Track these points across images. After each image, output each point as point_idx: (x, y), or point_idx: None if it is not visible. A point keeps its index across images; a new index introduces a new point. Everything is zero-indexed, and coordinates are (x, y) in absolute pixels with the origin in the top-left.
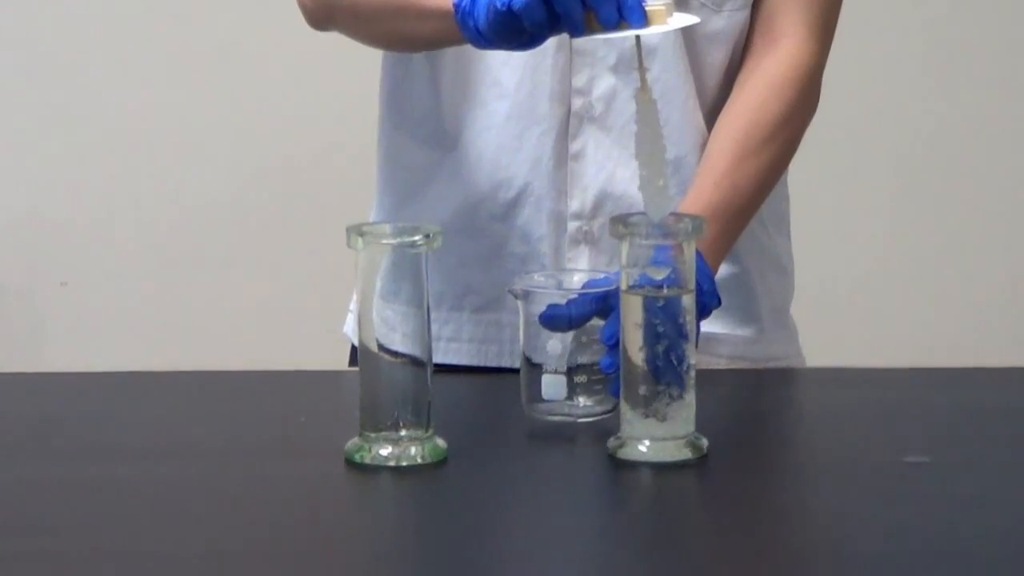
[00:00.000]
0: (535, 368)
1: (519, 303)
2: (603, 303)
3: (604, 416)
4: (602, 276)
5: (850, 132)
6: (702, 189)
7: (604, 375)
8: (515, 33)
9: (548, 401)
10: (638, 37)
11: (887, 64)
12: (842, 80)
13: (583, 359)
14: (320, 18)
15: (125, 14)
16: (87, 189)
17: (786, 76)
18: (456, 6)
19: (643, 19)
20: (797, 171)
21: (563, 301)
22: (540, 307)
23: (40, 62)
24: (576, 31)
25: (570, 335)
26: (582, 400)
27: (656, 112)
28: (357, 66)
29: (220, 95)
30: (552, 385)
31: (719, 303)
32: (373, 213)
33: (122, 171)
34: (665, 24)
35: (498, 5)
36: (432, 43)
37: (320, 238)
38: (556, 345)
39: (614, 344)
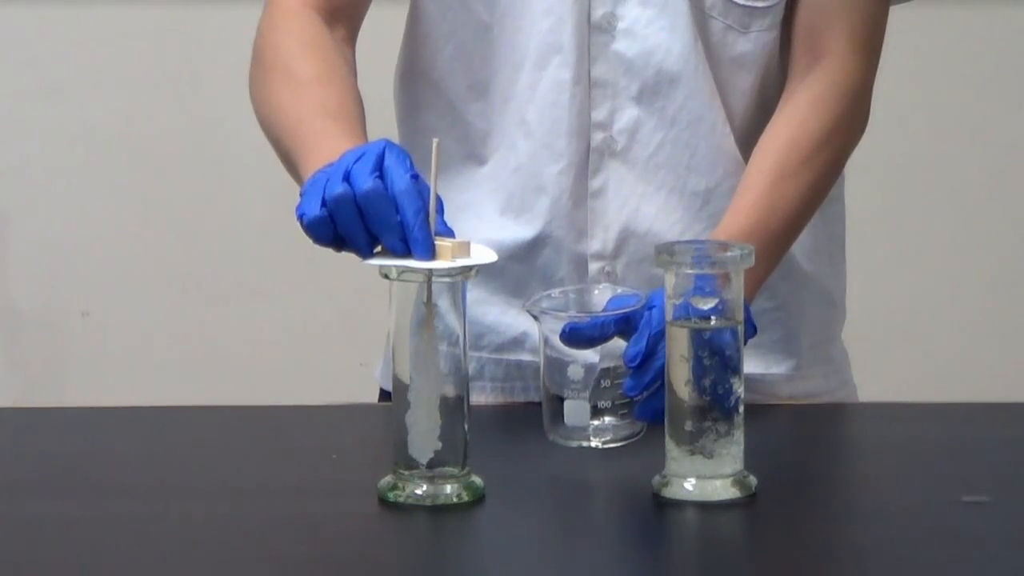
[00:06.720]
0: (556, 392)
1: (537, 323)
2: (626, 323)
3: (629, 442)
4: (629, 294)
5: (912, 154)
6: (737, 210)
7: (628, 399)
8: (322, 242)
9: (571, 427)
10: (430, 274)
11: (945, 86)
12: (902, 101)
13: (607, 383)
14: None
15: (149, 41)
16: (109, 218)
17: (828, 94)
18: (301, 193)
19: (429, 252)
20: (852, 192)
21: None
22: (558, 328)
23: (63, 89)
24: (363, 254)
25: (591, 358)
26: (607, 423)
27: (438, 351)
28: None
29: (247, 124)
30: (575, 410)
31: (755, 332)
32: None
33: (145, 200)
34: (451, 262)
35: (298, 215)
36: None
37: (352, 267)
38: (578, 369)
39: (637, 365)
